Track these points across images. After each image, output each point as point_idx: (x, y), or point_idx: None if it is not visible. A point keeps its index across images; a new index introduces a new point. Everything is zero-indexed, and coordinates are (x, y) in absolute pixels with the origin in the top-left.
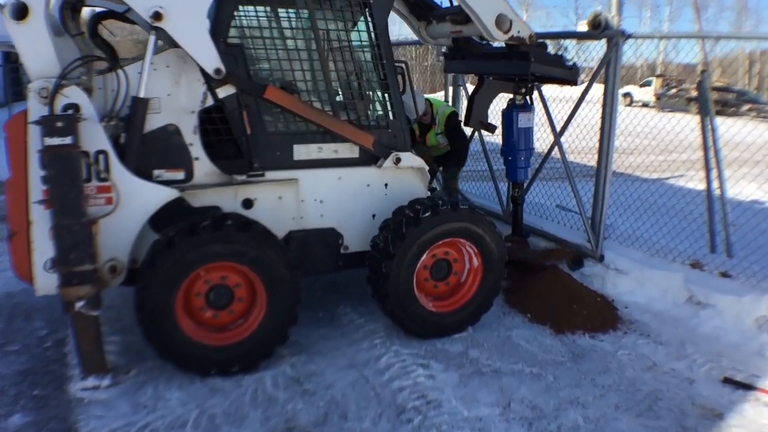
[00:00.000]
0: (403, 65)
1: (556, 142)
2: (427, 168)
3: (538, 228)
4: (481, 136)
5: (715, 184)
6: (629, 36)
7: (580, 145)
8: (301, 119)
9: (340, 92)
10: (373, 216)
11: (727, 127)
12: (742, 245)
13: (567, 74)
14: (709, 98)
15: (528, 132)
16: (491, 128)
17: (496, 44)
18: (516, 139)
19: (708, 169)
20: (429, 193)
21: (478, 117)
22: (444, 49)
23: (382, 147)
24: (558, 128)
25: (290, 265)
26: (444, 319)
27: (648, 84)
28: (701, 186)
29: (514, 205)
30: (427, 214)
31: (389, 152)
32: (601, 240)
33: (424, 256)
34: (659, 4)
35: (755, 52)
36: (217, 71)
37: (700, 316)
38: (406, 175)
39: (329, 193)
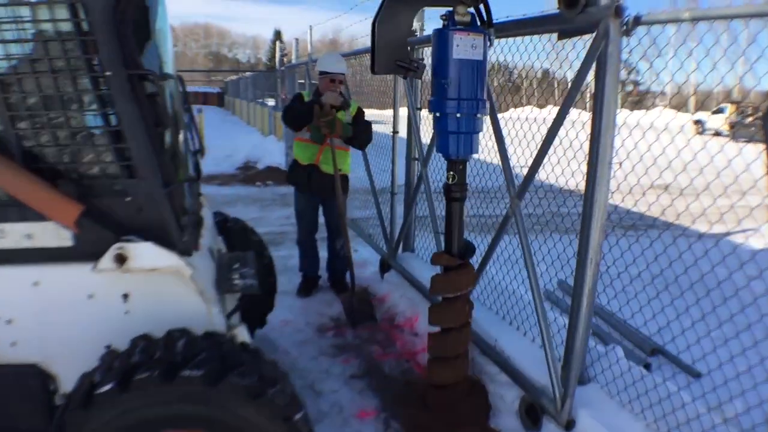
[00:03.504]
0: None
1: (508, 179)
2: (189, 273)
3: (489, 342)
4: (420, 150)
5: None
6: (638, 20)
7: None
8: None
9: (23, 125)
10: (108, 348)
11: None
12: None
13: None
14: None
15: (472, 69)
16: (417, 69)
17: None
18: (449, 81)
19: None
20: (215, 314)
21: (391, 56)
22: None
23: (100, 230)
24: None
25: None
26: None
27: (721, 111)
28: None
29: (447, 200)
30: (105, 388)
31: (113, 240)
32: (572, 390)
33: None
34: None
35: None
36: None
37: None
38: (161, 281)
39: (22, 308)
